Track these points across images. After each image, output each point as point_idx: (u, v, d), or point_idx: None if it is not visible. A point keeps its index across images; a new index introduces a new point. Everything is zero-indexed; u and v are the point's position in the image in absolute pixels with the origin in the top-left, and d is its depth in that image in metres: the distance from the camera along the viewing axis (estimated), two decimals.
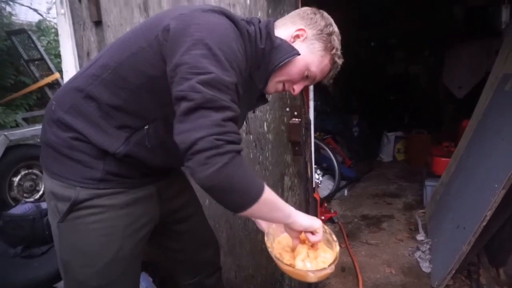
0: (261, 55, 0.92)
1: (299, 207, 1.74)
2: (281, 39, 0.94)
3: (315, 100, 2.32)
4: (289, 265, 0.94)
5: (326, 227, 1.05)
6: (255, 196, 0.82)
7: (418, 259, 2.23)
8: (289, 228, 0.97)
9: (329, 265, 0.94)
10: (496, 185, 1.77)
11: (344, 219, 2.88)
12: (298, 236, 0.99)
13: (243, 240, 1.79)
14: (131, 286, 1.06)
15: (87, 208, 0.93)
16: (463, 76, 3.69)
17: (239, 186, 0.79)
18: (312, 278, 0.93)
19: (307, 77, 0.97)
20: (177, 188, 1.20)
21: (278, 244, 1.06)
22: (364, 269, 2.19)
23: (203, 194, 1.47)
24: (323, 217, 2.67)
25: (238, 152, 0.78)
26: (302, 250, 1.00)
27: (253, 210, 0.83)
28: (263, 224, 1.09)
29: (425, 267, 2.14)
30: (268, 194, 0.85)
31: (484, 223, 1.81)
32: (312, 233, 0.97)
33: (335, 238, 1.03)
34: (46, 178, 0.97)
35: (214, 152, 0.74)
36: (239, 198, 0.81)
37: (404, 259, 2.28)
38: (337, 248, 1.00)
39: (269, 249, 0.98)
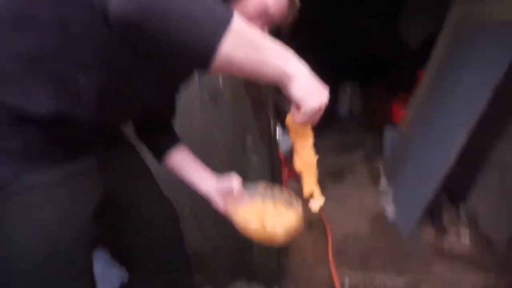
0: None
1: (262, 168, 1.65)
2: None
3: None
4: (256, 228, 0.90)
5: (284, 189, 1.02)
6: (221, 22, 0.56)
7: (383, 206, 2.26)
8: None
9: (295, 220, 0.92)
10: (459, 128, 1.77)
11: None
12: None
13: (208, 210, 1.66)
14: (82, 280, 0.89)
15: (4, 194, 0.73)
16: (419, 25, 3.68)
17: (188, 7, 0.53)
18: (281, 235, 0.88)
19: (265, 20, 0.85)
20: (124, 161, 1.03)
21: (239, 213, 1.00)
22: (331, 222, 2.18)
23: (161, 168, 1.32)
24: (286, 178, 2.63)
25: None
26: (268, 211, 0.97)
27: (228, 51, 0.56)
28: (221, 204, 1.00)
29: (390, 213, 2.17)
30: (243, 24, 0.60)
31: (448, 165, 1.83)
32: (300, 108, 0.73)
33: (296, 198, 0.99)
34: None
35: None
36: (196, 29, 0.54)
37: (370, 209, 2.30)
38: (299, 205, 0.97)
39: (233, 216, 0.93)
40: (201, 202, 1.69)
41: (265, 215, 0.95)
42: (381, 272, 1.74)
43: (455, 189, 2.16)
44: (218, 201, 1.00)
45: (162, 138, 1.07)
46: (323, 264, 1.83)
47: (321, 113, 0.74)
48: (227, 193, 0.99)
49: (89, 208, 0.88)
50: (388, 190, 2.41)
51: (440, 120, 2.12)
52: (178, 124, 1.24)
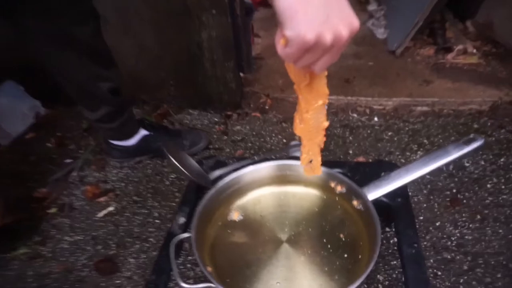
0: None
1: None
2: None
3: None
4: None
5: None
6: None
7: (372, 27, 1.84)
8: None
9: None
10: None
11: None
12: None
13: (141, 8, 1.17)
14: None
15: None
16: None
17: None
18: None
19: None
20: None
21: None
22: None
23: None
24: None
25: None
26: None
27: None
28: None
29: (380, 33, 1.76)
30: None
31: None
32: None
33: None
34: None
35: None
36: None
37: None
38: None
39: None
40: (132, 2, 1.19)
41: None
42: (367, 95, 1.41)
43: (462, 5, 1.73)
44: None
45: None
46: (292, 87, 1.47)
47: (326, 52, 0.44)
48: None
49: None
50: (378, 9, 1.94)
51: None
52: None
